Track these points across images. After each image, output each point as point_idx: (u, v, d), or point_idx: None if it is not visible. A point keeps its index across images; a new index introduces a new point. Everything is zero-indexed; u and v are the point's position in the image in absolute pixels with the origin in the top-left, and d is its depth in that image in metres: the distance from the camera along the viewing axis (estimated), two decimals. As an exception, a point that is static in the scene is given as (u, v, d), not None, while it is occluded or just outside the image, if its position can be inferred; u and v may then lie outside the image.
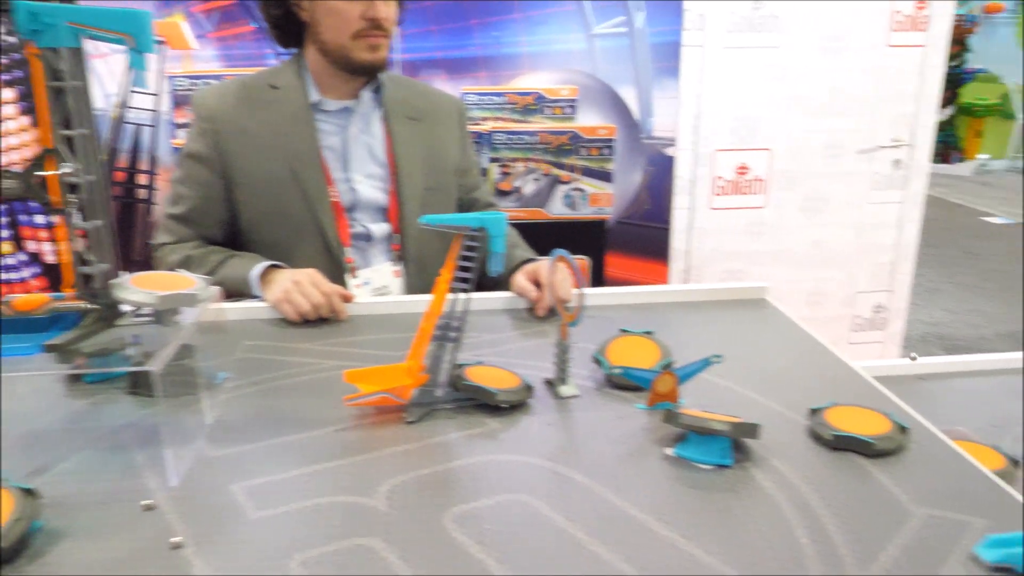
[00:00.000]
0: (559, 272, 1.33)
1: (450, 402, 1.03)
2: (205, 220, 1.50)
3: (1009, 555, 0.35)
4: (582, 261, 2.68)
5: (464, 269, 0.99)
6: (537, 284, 1.36)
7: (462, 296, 1.00)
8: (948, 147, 8.40)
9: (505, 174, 2.54)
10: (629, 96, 2.95)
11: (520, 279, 1.38)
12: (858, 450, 0.91)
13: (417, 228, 1.50)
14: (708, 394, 1.06)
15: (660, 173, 3.03)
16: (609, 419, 1.01)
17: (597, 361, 1.12)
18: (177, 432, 0.95)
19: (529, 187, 2.57)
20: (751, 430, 0.89)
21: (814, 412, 0.97)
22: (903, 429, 0.93)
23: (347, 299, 1.34)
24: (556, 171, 2.58)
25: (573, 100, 2.72)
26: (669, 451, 0.92)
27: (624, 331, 1.18)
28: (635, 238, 3.10)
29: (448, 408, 1.03)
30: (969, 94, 8.40)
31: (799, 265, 3.15)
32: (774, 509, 0.81)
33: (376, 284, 1.51)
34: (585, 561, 0.74)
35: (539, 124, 2.63)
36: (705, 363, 1.02)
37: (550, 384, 1.09)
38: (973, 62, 8.32)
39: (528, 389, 1.05)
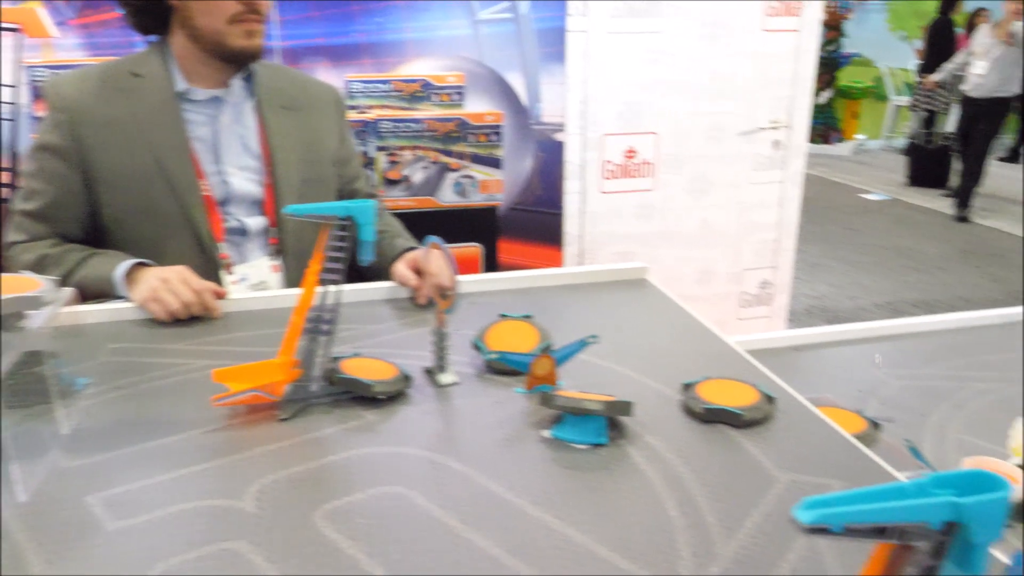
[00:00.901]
0: (439, 259, 1.31)
1: (325, 396, 1.01)
2: (61, 217, 1.41)
3: (825, 515, 0.36)
4: (474, 249, 2.67)
5: (333, 260, 0.97)
6: (419, 273, 1.34)
7: (333, 288, 0.97)
8: (828, 128, 8.79)
9: (393, 163, 2.50)
10: (517, 82, 2.95)
11: (400, 268, 1.36)
12: (728, 421, 0.93)
13: (295, 221, 1.45)
14: (587, 375, 1.07)
15: (550, 158, 3.05)
16: (488, 405, 1.00)
17: (476, 347, 1.12)
18: (26, 444, 0.89)
19: (418, 175, 2.54)
20: (624, 408, 0.90)
21: (687, 387, 0.99)
22: (770, 399, 0.96)
23: (220, 296, 1.29)
24: (445, 159, 2.56)
25: (460, 87, 2.70)
26: (546, 433, 0.92)
27: (503, 316, 1.18)
28: (528, 224, 3.11)
29: (324, 403, 1.00)
30: (846, 77, 8.80)
31: (688, 245, 3.23)
32: (646, 484, 0.82)
33: (253, 280, 1.46)
34: (458, 548, 0.73)
35: (426, 111, 2.60)
36: (582, 344, 1.03)
37: (429, 373, 1.08)
38: (848, 47, 8.71)
39: (406, 379, 1.03)
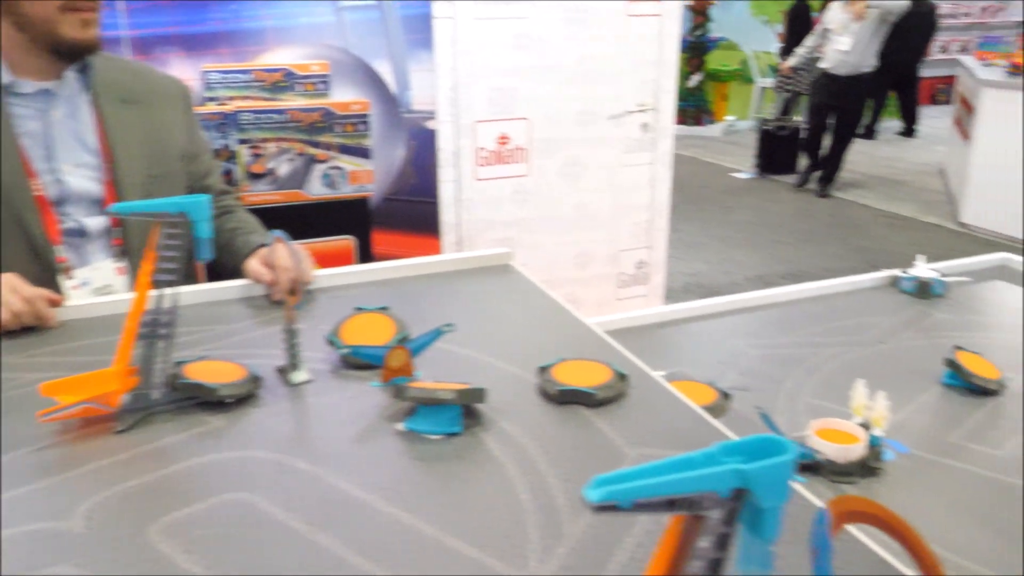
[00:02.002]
0: (292, 253, 1.27)
1: (168, 404, 0.95)
2: None
3: (612, 492, 0.36)
4: (346, 241, 2.62)
5: (167, 260, 0.91)
6: (272, 268, 1.29)
7: (169, 289, 0.92)
8: (700, 111, 9.07)
9: (256, 156, 2.41)
10: (385, 70, 2.90)
11: (253, 264, 1.31)
12: (582, 401, 0.94)
13: (141, 220, 1.36)
14: (445, 364, 1.06)
15: (423, 147, 3.02)
16: (342, 401, 0.97)
17: (331, 342, 1.09)
18: None
19: (284, 168, 2.46)
20: (478, 395, 0.89)
21: (542, 370, 0.99)
22: (622, 377, 0.97)
23: (55, 303, 1.21)
24: (312, 150, 2.49)
25: (325, 76, 2.63)
26: (400, 426, 0.90)
27: (359, 309, 1.15)
28: (404, 214, 3.07)
29: (167, 411, 0.95)
30: (714, 61, 9.10)
31: (565, 229, 3.27)
32: (499, 470, 0.82)
33: (97, 284, 1.38)
34: (302, 551, 0.71)
35: (291, 102, 2.52)
36: (437, 333, 1.01)
37: (282, 372, 1.04)
38: (715, 31, 9.01)
39: (255, 380, 0.99)
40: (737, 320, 1.55)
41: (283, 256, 1.25)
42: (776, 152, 6.96)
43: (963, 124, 6.14)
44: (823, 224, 5.67)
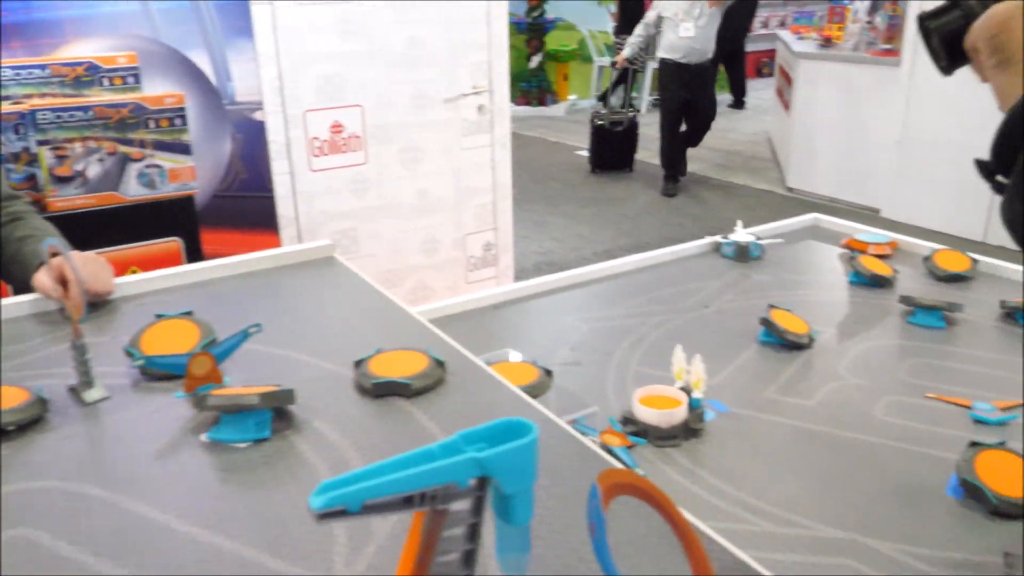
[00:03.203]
0: (91, 264, 1.17)
1: (-65, 438, 0.85)
2: None
3: (337, 498, 0.33)
4: (173, 243, 2.47)
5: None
6: (64, 281, 1.18)
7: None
8: (543, 91, 9.19)
9: (61, 158, 2.23)
10: (202, 61, 2.75)
11: (41, 278, 1.19)
12: (398, 393, 0.91)
13: None
14: (259, 366, 1.00)
15: (252, 139, 2.89)
16: (142, 416, 0.90)
17: (129, 354, 1.01)
18: None
19: (93, 169, 2.28)
20: (285, 396, 0.85)
21: (358, 364, 0.96)
22: (440, 364, 0.95)
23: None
24: (125, 148, 2.32)
25: (134, 68, 2.46)
26: (204, 437, 0.85)
27: (160, 316, 1.07)
28: (237, 210, 2.93)
29: (-65, 446, 0.85)
30: (553, 41, 9.23)
31: (409, 216, 3.22)
32: (309, 473, 0.78)
33: None
34: (85, 588, 0.64)
35: (98, 97, 2.34)
36: (244, 335, 0.96)
37: (74, 391, 0.95)
38: (552, 12, 9.13)
39: (41, 403, 0.90)
40: (569, 297, 1.57)
41: (73, 267, 1.15)
42: (608, 147, 6.74)
43: (783, 95, 6.52)
44: (661, 196, 5.88)
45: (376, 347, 1.00)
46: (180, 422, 0.89)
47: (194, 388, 0.92)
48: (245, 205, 2.94)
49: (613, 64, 6.94)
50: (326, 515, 0.33)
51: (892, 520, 0.87)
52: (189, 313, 1.07)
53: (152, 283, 1.28)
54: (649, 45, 6.23)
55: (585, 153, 7.00)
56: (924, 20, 0.75)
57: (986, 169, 0.69)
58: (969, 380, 1.18)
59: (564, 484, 0.75)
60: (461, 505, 0.37)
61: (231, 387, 0.91)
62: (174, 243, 2.48)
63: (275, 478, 0.77)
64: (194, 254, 2.50)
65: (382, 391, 0.91)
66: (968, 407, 1.09)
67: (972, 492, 0.89)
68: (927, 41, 0.76)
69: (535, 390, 0.99)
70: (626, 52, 6.28)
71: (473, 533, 0.38)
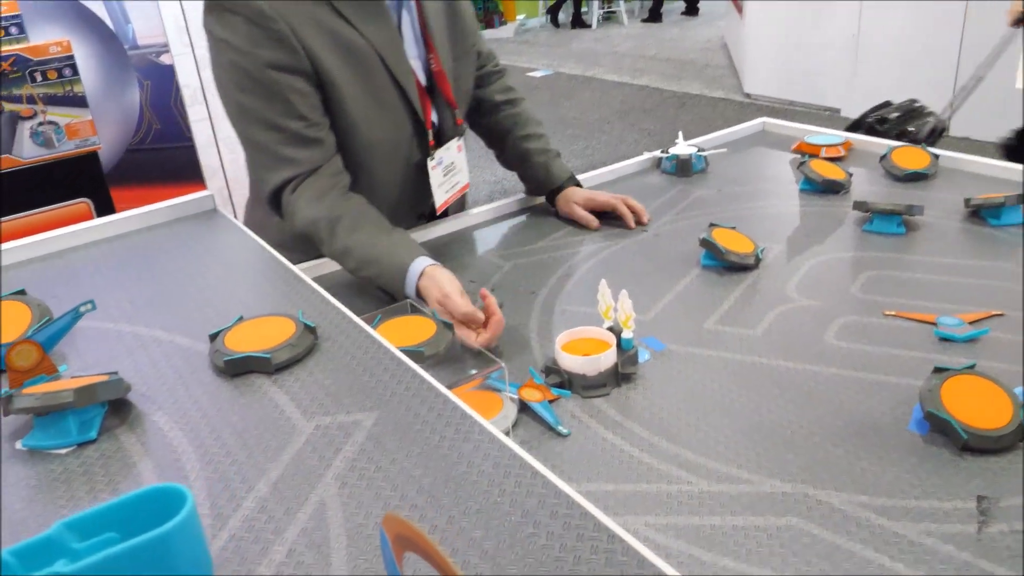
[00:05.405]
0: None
1: None
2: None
3: None
4: (82, 205, 2.27)
5: None
6: None
7: None
8: (489, 12, 8.86)
9: (-62, 121, 2.01)
10: (96, 5, 2.51)
11: None
12: (257, 369, 0.76)
13: None
14: (104, 347, 0.85)
15: (161, 85, 2.67)
16: (-48, 423, 0.75)
17: (-55, 347, 0.85)
18: None
19: (-21, 131, 2.08)
20: (111, 389, 0.70)
21: (213, 337, 0.81)
22: (311, 329, 0.80)
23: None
24: (12, 106, 2.11)
25: (16, 17, 2.22)
26: (19, 445, 0.70)
27: (-16, 298, 0.91)
28: (154, 164, 2.73)
29: None
30: (496, -40, 8.86)
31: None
32: (135, 485, 0.64)
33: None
34: None
35: (-24, 52, 2.11)
36: (74, 315, 0.80)
37: None
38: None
39: None
40: (492, 231, 1.42)
41: None
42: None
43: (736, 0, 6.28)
44: (614, 112, 5.69)
45: (239, 315, 0.85)
46: (-3, 427, 0.73)
47: (21, 382, 0.77)
48: (162, 157, 2.73)
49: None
50: None
51: (846, 466, 0.74)
52: (21, 292, 0.91)
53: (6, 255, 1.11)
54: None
55: (537, 74, 6.75)
56: None
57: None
58: (933, 292, 1.05)
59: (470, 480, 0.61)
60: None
61: (66, 377, 0.76)
62: (83, 204, 2.29)
63: (92, 491, 0.63)
64: (107, 215, 2.31)
65: (237, 368, 0.76)
66: (932, 323, 0.97)
67: (938, 426, 0.77)
68: None
69: (433, 345, 0.85)
70: None
71: None
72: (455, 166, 1.36)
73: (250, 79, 1.06)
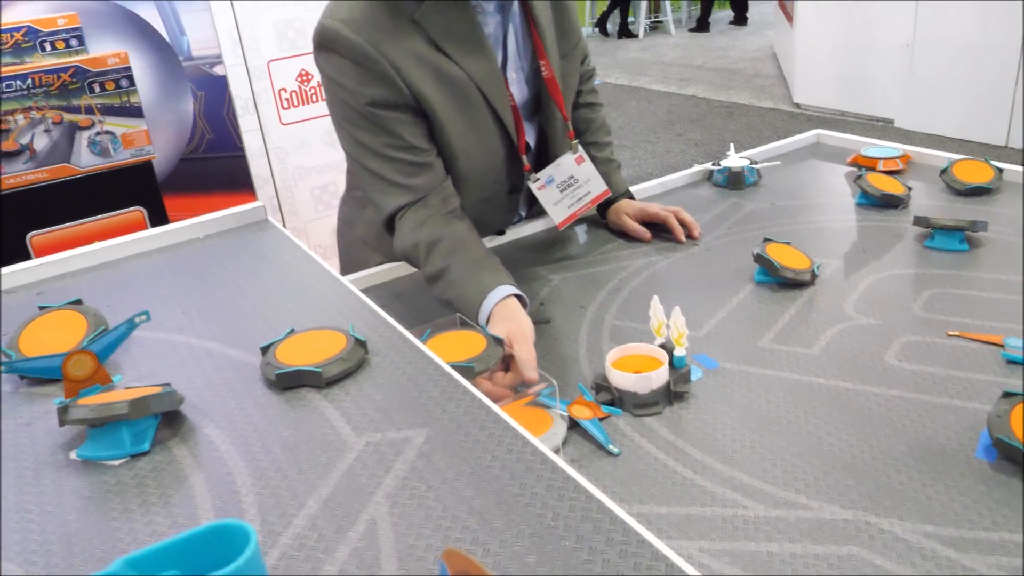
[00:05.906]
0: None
1: None
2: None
3: None
4: (136, 213, 2.32)
5: None
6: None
7: None
8: None
9: (3, 131, 2.07)
10: (152, 16, 2.56)
11: None
12: (308, 383, 0.76)
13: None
14: (158, 360, 0.86)
15: (214, 96, 2.71)
16: (11, 430, 0.76)
17: (8, 356, 0.86)
18: None
19: (40, 141, 2.13)
20: (166, 401, 0.70)
21: (265, 350, 0.81)
22: (361, 343, 0.80)
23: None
24: (71, 116, 2.16)
25: (77, 29, 2.28)
26: (73, 455, 0.71)
27: (43, 308, 0.92)
28: (206, 173, 2.77)
29: None
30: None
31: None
32: (186, 498, 0.64)
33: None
34: None
35: (40, 63, 2.17)
36: (129, 326, 0.81)
37: (-63, 405, 0.81)
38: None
39: None
40: (539, 242, 1.40)
41: None
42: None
43: (786, 6, 6.19)
44: (661, 122, 5.65)
45: (290, 327, 0.85)
46: (52, 436, 0.74)
47: (76, 392, 0.78)
48: (214, 166, 2.78)
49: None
50: None
51: (910, 494, 0.72)
52: (78, 302, 0.92)
53: (49, 268, 1.13)
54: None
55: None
56: None
57: None
58: (998, 312, 1.01)
59: (514, 500, 0.60)
60: None
61: (120, 387, 0.76)
62: (137, 212, 2.34)
63: (144, 504, 0.63)
64: (160, 223, 2.36)
65: (288, 382, 0.76)
66: (999, 345, 0.93)
67: (1008, 453, 0.73)
68: None
69: (482, 362, 0.84)
70: None
71: None
72: (576, 180, 1.34)
73: (359, 115, 1.11)
